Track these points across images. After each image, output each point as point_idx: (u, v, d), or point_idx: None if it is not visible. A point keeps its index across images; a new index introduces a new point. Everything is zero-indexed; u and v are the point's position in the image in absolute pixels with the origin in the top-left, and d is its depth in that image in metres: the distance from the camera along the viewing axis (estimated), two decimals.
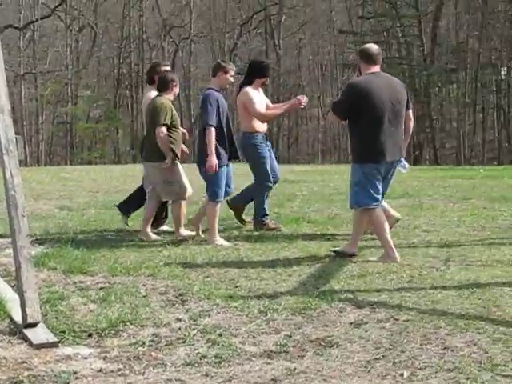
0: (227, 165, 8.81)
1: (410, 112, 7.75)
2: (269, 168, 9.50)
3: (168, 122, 8.82)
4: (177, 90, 9.15)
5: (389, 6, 45.94)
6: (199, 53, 56.52)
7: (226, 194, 9.03)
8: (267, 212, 9.71)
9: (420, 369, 4.27)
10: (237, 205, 9.80)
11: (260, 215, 9.58)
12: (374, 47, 7.65)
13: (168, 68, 9.91)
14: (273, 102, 10.35)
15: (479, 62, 44.33)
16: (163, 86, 9.01)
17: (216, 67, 8.98)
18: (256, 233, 9.40)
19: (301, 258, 7.69)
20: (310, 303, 5.75)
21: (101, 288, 6.43)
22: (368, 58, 7.58)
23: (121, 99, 56.25)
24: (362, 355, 4.55)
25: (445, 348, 4.62)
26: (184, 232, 9.15)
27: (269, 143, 9.69)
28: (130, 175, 19.27)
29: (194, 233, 9.15)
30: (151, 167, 9.10)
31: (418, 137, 43.25)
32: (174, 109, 9.00)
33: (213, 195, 8.78)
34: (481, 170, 22.01)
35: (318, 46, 58.51)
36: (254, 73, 9.57)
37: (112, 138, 55.19)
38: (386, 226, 7.56)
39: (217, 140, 8.54)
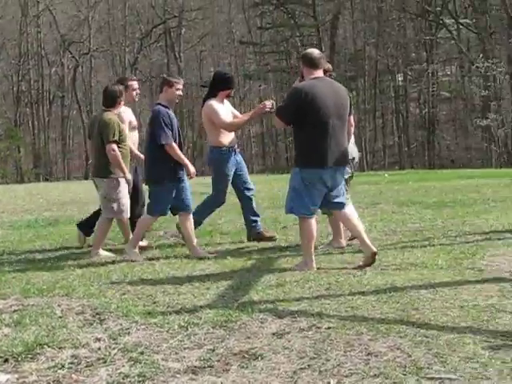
0: (182, 181, 8.60)
1: (352, 117, 7.85)
2: (227, 186, 9.44)
3: (117, 137, 8.75)
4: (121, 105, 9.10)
5: (287, 16, 46.40)
6: (100, 67, 55.96)
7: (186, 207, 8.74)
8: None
9: (346, 376, 4.26)
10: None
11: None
12: (315, 52, 7.66)
13: (135, 82, 9.78)
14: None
15: (377, 69, 45.17)
16: (111, 102, 8.92)
17: (161, 82, 8.87)
18: (169, 248, 9.32)
19: (217, 271, 7.63)
20: (231, 316, 5.69)
21: (14, 311, 6.23)
22: (310, 62, 7.53)
23: (21, 117, 55.23)
24: (288, 366, 4.51)
25: (369, 354, 4.63)
26: (102, 252, 9.01)
27: (238, 156, 9.55)
28: (35, 194, 18.88)
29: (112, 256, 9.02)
30: (98, 182, 9.05)
31: None
32: (121, 124, 8.91)
33: (151, 209, 8.62)
34: (386, 175, 22.38)
35: (218, 58, 58.65)
36: (218, 85, 9.41)
37: (14, 156, 54.10)
38: (313, 237, 7.49)
39: (168, 156, 8.41)
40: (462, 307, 5.64)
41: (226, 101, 9.54)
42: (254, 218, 9.60)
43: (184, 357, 4.83)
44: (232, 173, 9.41)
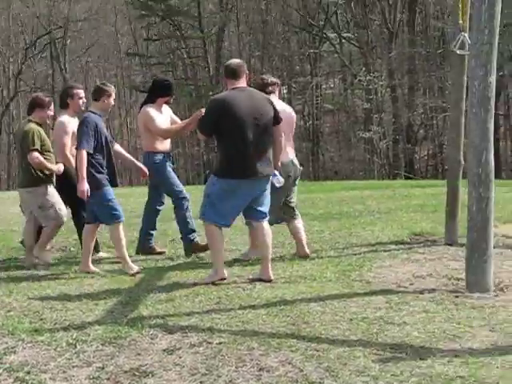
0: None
1: (280, 126, 7.55)
2: (173, 185, 9.23)
3: (38, 146, 8.59)
4: (44, 113, 8.92)
5: (173, 27, 46.30)
6: None
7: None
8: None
9: None
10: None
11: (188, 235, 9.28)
12: (234, 62, 7.67)
13: (81, 91, 9.37)
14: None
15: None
16: (29, 110, 8.93)
17: (99, 91, 8.50)
18: (57, 262, 9.12)
19: (106, 285, 7.50)
20: (120, 332, 5.60)
21: None
22: (230, 73, 7.48)
23: None
24: (179, 383, 4.47)
25: (260, 369, 4.64)
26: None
27: (170, 164, 9.33)
28: None
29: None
30: (25, 193, 8.86)
31: (207, 156, 43.90)
32: (42, 132, 8.74)
33: (111, 218, 8.29)
34: None
35: (104, 69, 57.99)
36: (157, 91, 9.22)
37: None
38: (220, 245, 7.43)
39: (93, 165, 8.15)
40: (352, 320, 5.71)
41: (166, 107, 9.38)
42: (151, 232, 9.53)
43: (73, 376, 4.74)
44: (171, 174, 9.24)
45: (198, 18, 44.56)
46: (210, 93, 43.91)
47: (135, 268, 8.19)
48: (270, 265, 7.42)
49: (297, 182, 8.85)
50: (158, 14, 45.56)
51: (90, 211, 8.33)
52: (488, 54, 6.60)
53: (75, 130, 8.56)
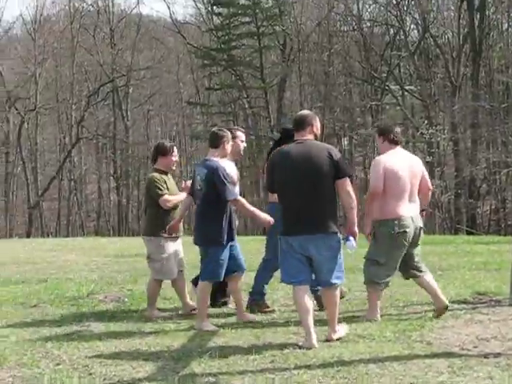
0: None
1: (344, 181, 6.94)
2: None
3: (165, 191, 8.57)
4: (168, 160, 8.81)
5: (235, 77, 46.66)
6: (45, 124, 55.50)
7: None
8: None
9: None
10: None
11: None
12: (298, 114, 7.50)
13: (243, 134, 9.12)
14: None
15: (323, 133, 45.50)
16: (152, 158, 8.98)
17: (217, 137, 8.16)
18: (109, 314, 8.98)
19: (158, 339, 7.33)
20: None
21: None
22: (294, 125, 7.31)
23: None
24: None
25: None
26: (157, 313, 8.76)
27: None
28: None
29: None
30: (145, 241, 8.83)
31: None
32: (167, 180, 8.71)
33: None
34: None
35: (166, 117, 58.66)
36: (286, 140, 8.17)
37: None
38: (305, 309, 6.96)
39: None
40: None
41: None
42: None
43: None
44: None
45: (260, 68, 44.84)
46: (271, 143, 44.19)
47: (212, 327, 7.86)
48: (333, 323, 7.10)
49: (419, 242, 8.26)
50: (220, 64, 46.03)
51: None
52: None
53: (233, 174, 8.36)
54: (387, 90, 43.98)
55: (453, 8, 44.34)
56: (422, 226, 8.20)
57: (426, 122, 39.07)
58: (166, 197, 8.52)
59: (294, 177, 6.95)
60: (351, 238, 7.08)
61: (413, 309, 8.73)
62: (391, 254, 8.01)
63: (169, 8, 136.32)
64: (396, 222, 7.91)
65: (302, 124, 7.22)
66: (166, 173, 8.82)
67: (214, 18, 48.60)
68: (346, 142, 47.27)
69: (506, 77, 40.20)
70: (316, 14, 47.71)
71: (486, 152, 39.32)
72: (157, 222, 8.55)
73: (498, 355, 6.37)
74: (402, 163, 8.08)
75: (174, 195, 8.67)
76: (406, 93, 43.79)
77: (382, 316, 8.17)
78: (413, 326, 7.64)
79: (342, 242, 7.02)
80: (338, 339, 6.99)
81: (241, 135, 9.03)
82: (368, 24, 45.76)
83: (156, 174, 8.70)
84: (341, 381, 5.55)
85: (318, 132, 7.27)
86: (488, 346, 6.73)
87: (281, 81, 46.22)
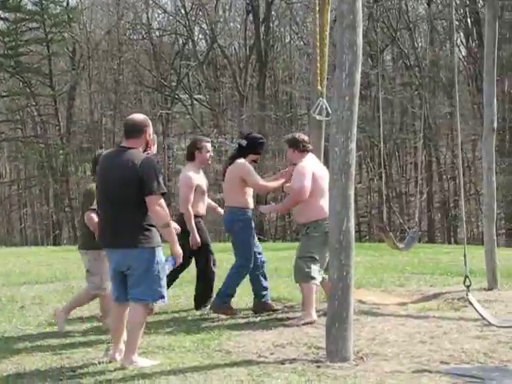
0: None
1: (150, 200, 6.35)
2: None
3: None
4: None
5: (23, 84, 45.31)
6: None
7: None
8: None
9: None
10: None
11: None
12: (126, 120, 6.84)
13: (209, 144, 9.26)
14: None
15: (114, 141, 45.05)
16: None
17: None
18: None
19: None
20: None
21: None
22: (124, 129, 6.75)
23: None
24: None
25: None
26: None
27: None
28: None
29: None
30: (82, 254, 8.44)
31: (57, 216, 42.97)
32: None
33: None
34: None
35: None
36: (251, 148, 9.01)
37: None
38: (114, 327, 6.71)
39: None
40: None
41: None
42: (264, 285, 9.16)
43: None
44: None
45: (49, 75, 43.81)
46: (61, 151, 43.20)
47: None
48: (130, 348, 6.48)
49: None
50: (7, 71, 44.48)
51: None
52: (348, 120, 6.62)
53: (200, 184, 9.03)
54: (177, 99, 44.24)
55: (239, 20, 45.31)
56: None
57: (214, 130, 39.64)
58: (93, 215, 7.75)
59: (103, 185, 6.59)
60: (170, 259, 6.64)
61: (210, 317, 8.75)
62: (324, 251, 8.17)
63: None
64: (325, 222, 8.05)
65: (126, 130, 6.68)
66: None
67: (1, 22, 46.92)
68: None
69: (289, 87, 41.57)
70: (105, 21, 47.19)
71: (272, 161, 40.37)
72: (90, 235, 7.93)
73: (293, 361, 6.54)
74: (320, 167, 8.59)
75: None
76: (195, 102, 44.23)
77: (179, 326, 8.18)
78: (211, 334, 7.69)
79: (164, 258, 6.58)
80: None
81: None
82: (157, 33, 45.83)
83: (93, 187, 7.85)
84: None
85: (150, 138, 6.70)
86: (284, 353, 6.89)
87: (70, 88, 45.34)
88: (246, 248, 8.88)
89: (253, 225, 9.05)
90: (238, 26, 45.19)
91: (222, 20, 44.33)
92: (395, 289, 9.59)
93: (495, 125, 10.58)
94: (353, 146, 6.63)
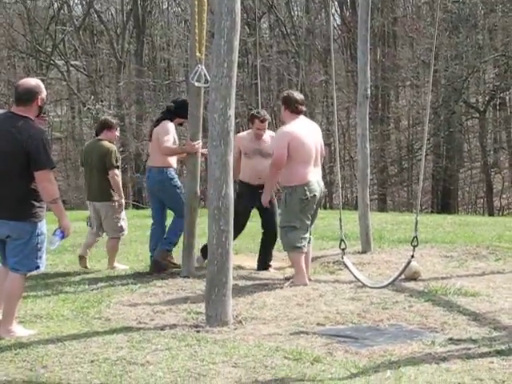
0: None
1: (39, 175, 6.18)
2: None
3: (118, 163, 9.84)
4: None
5: None
6: None
7: None
8: None
9: None
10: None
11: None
12: (17, 85, 6.53)
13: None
14: None
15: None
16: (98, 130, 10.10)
17: None
18: None
19: None
20: None
21: None
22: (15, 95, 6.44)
23: None
24: None
25: None
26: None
27: None
28: None
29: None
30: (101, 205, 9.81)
31: None
32: (117, 152, 10.06)
33: None
34: None
35: None
36: (178, 111, 9.40)
37: None
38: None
39: None
40: (93, 362, 5.48)
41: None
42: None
43: None
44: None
45: None
46: None
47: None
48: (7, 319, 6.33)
49: (321, 205, 8.96)
50: None
51: None
52: (227, 87, 6.67)
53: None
54: (53, 65, 43.24)
55: None
56: (325, 189, 8.79)
57: (92, 97, 38.98)
58: (117, 172, 9.74)
59: None
60: (58, 232, 6.44)
61: (89, 285, 8.69)
62: (304, 217, 8.31)
63: None
64: (306, 187, 8.25)
65: (21, 97, 6.33)
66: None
67: None
68: None
69: (168, 54, 41.28)
70: None
71: (149, 127, 40.10)
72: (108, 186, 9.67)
73: (173, 326, 6.60)
74: (306, 131, 8.42)
75: None
76: (71, 68, 43.35)
77: (58, 294, 8.10)
78: (90, 302, 7.64)
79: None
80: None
81: None
82: None
83: (112, 146, 9.85)
84: (20, 364, 5.42)
85: (43, 103, 6.40)
86: (164, 318, 6.94)
87: None
88: (180, 202, 9.24)
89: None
90: None
91: None
92: (274, 254, 9.72)
93: (369, 92, 10.84)
94: (231, 112, 6.68)
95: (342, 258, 7.87)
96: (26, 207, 6.25)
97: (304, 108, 8.64)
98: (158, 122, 9.47)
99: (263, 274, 9.25)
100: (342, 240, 7.83)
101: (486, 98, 34.35)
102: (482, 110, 33.53)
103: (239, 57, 7.18)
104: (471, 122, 35.79)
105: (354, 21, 28.02)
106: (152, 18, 43.24)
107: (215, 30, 6.72)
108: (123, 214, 9.93)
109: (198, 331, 6.42)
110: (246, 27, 34.23)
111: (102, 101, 38.28)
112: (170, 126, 9.31)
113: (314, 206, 8.54)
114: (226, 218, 6.65)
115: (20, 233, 6.27)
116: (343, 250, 7.84)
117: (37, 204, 6.29)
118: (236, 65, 6.75)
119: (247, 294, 7.98)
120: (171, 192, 9.39)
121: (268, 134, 9.49)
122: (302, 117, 8.60)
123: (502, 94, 34.66)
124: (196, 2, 8.54)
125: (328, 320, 6.81)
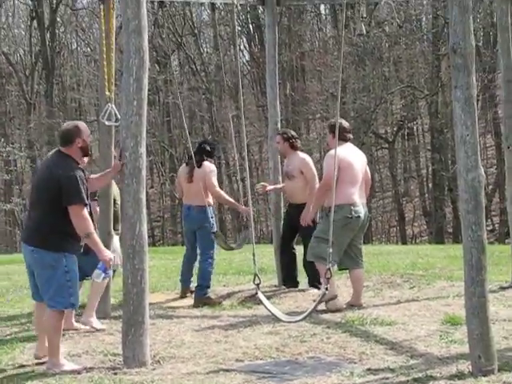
0: None
1: (71, 209, 6.50)
2: None
3: None
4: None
5: None
6: None
7: None
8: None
9: None
10: None
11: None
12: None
13: None
14: None
15: None
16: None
17: None
18: None
19: None
20: None
21: None
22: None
23: None
24: None
25: None
26: None
27: None
28: None
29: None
30: None
31: None
32: None
33: None
34: None
35: None
36: (212, 152, 9.93)
37: None
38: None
39: None
40: None
41: None
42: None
43: None
44: None
45: None
46: None
47: None
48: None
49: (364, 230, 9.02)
50: None
51: None
52: (137, 125, 6.66)
53: None
54: None
55: (23, 26, 44.11)
56: (369, 214, 8.93)
57: (2, 139, 38.36)
58: None
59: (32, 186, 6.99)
60: (100, 265, 6.74)
61: (1, 331, 8.45)
62: (342, 237, 8.37)
63: None
64: (352, 207, 8.38)
65: (61, 139, 6.85)
66: None
67: None
68: None
69: (78, 94, 40.99)
70: None
71: None
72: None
73: (90, 370, 6.50)
74: (354, 155, 8.77)
75: None
76: None
77: None
78: (4, 349, 7.38)
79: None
80: None
81: None
82: None
83: None
84: None
85: (85, 144, 6.77)
86: (80, 362, 6.82)
87: None
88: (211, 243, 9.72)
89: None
90: (23, 33, 44.00)
91: (5, 26, 42.94)
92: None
93: (279, 125, 10.94)
94: (143, 150, 6.66)
95: (257, 293, 7.83)
96: (50, 236, 6.50)
97: (351, 136, 8.95)
98: (198, 163, 9.66)
99: (180, 311, 9.18)
100: (255, 275, 7.79)
101: (395, 129, 35.09)
102: (390, 140, 34.18)
103: (150, 94, 7.19)
104: (381, 152, 36.42)
105: (263, 56, 28.29)
106: (61, 59, 42.93)
107: (124, 68, 6.70)
108: None
109: (115, 373, 6.33)
110: (155, 65, 34.28)
111: (12, 143, 37.69)
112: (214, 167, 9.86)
113: (357, 229, 8.71)
114: (140, 256, 6.59)
115: (43, 262, 6.53)
116: (257, 285, 7.81)
117: (62, 236, 6.53)
118: (146, 102, 6.75)
119: (165, 332, 7.91)
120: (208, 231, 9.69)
121: (296, 156, 9.90)
122: (349, 143, 8.88)
123: (409, 124, 35.49)
124: (104, 42, 8.53)
125: (247, 356, 6.79)
